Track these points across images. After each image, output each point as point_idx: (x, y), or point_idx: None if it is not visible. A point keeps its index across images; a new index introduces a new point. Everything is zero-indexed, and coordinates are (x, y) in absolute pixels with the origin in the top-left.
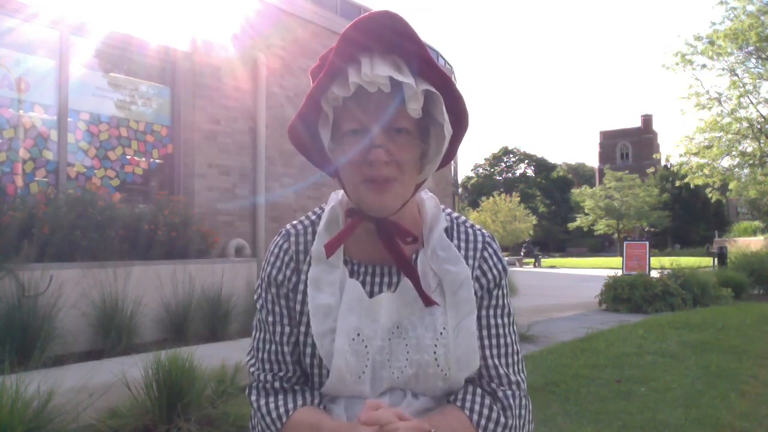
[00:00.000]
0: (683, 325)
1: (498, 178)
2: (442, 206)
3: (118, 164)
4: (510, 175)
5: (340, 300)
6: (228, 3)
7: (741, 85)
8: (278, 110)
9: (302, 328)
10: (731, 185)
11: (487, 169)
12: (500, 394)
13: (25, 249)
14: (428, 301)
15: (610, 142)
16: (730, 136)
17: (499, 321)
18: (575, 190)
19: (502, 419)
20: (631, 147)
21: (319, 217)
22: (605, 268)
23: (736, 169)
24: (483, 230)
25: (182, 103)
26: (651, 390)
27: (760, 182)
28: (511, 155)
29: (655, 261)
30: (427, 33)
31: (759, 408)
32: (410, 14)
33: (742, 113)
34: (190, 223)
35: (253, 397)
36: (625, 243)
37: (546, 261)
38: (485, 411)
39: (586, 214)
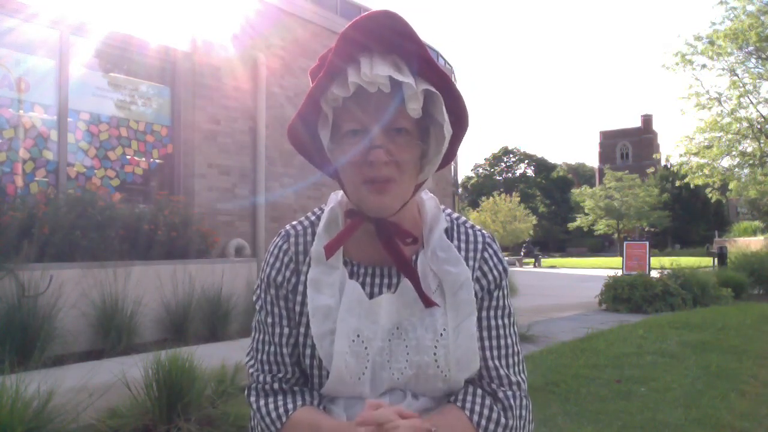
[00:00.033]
0: (683, 325)
1: (498, 178)
2: (442, 206)
3: (118, 164)
4: (510, 175)
5: (340, 301)
6: (228, 3)
7: (741, 85)
8: (278, 110)
9: (302, 330)
10: (731, 185)
11: (487, 169)
12: (501, 394)
13: (25, 249)
14: (428, 303)
15: (610, 142)
16: (730, 136)
17: (500, 322)
18: (575, 190)
19: (503, 420)
20: (631, 147)
21: (318, 217)
22: (605, 268)
23: (736, 169)
24: (483, 231)
25: (182, 103)
26: (651, 390)
27: (760, 182)
28: (511, 155)
29: (655, 261)
30: (427, 33)
31: (759, 408)
32: (410, 14)
33: (742, 113)
34: (190, 223)
35: (252, 398)
36: (625, 243)
37: (546, 261)
38: (485, 411)
39: (586, 214)
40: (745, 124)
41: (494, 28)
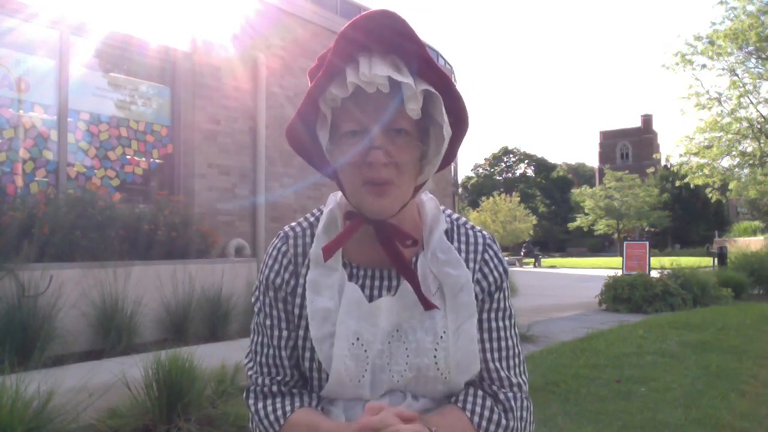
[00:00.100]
0: (683, 325)
1: (498, 178)
2: (442, 207)
3: (118, 164)
4: (510, 175)
5: (339, 303)
6: (228, 3)
7: (741, 85)
8: (278, 110)
9: (301, 332)
10: (731, 185)
11: (487, 169)
12: (501, 396)
13: (25, 249)
14: (428, 305)
15: (610, 142)
16: (730, 136)
17: (501, 324)
18: (575, 190)
19: (503, 421)
20: (631, 147)
21: (317, 219)
22: (605, 268)
23: (736, 169)
24: (483, 232)
25: (182, 103)
26: (651, 390)
27: (760, 182)
28: (511, 155)
29: (655, 261)
30: (427, 33)
31: (759, 408)
32: (410, 14)
33: (742, 113)
34: (190, 223)
35: (251, 401)
36: (625, 243)
37: (546, 261)
38: (486, 413)
39: (586, 214)
40: (745, 124)
41: (494, 28)
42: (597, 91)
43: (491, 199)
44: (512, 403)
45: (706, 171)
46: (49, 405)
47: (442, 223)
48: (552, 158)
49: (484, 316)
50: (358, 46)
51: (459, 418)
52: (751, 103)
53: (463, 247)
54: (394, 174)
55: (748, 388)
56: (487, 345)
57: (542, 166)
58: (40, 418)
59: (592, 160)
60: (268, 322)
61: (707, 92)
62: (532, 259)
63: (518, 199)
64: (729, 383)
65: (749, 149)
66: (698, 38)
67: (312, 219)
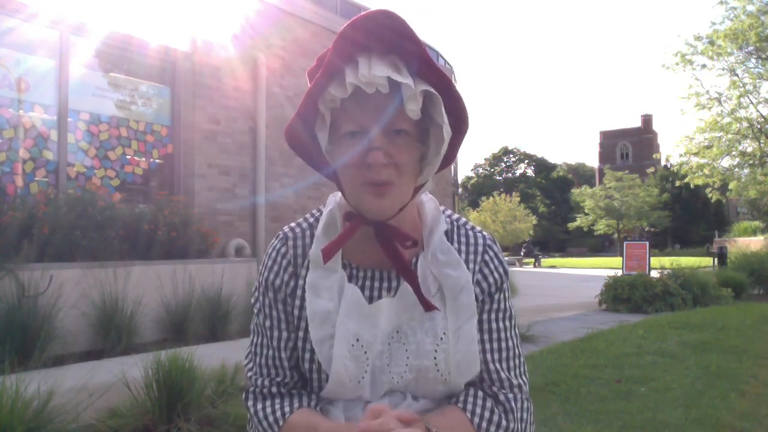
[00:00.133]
0: (683, 325)
1: (498, 178)
2: (442, 207)
3: (118, 164)
4: (510, 175)
5: (339, 305)
6: (228, 3)
7: (741, 85)
8: (278, 110)
9: (300, 333)
10: (731, 185)
11: (487, 169)
12: (502, 397)
13: (25, 249)
14: (428, 306)
15: (610, 142)
16: (730, 136)
17: (501, 325)
18: (575, 190)
19: (504, 422)
20: (631, 147)
21: (317, 219)
22: (605, 268)
23: (736, 169)
24: (484, 233)
25: (182, 103)
26: (651, 390)
27: (760, 182)
28: (511, 155)
29: (655, 261)
30: (427, 33)
31: (759, 408)
32: (410, 14)
33: (742, 113)
34: (190, 223)
35: (250, 402)
36: (625, 243)
37: (546, 261)
38: (486, 414)
39: (586, 214)
40: (745, 124)
41: (494, 28)
42: (597, 91)
43: (491, 199)
44: (512, 404)
45: (706, 171)
46: (49, 405)
47: (442, 223)
48: (552, 158)
49: (485, 317)
50: (357, 46)
51: (460, 419)
52: (751, 103)
53: (463, 247)
54: (393, 175)
55: (748, 388)
56: (488, 346)
57: (542, 166)
58: (40, 418)
59: (592, 160)
60: (267, 323)
61: (707, 92)
62: (532, 259)
63: (518, 199)
64: (729, 383)
65: (749, 149)
66: (698, 38)
67: (311, 219)
